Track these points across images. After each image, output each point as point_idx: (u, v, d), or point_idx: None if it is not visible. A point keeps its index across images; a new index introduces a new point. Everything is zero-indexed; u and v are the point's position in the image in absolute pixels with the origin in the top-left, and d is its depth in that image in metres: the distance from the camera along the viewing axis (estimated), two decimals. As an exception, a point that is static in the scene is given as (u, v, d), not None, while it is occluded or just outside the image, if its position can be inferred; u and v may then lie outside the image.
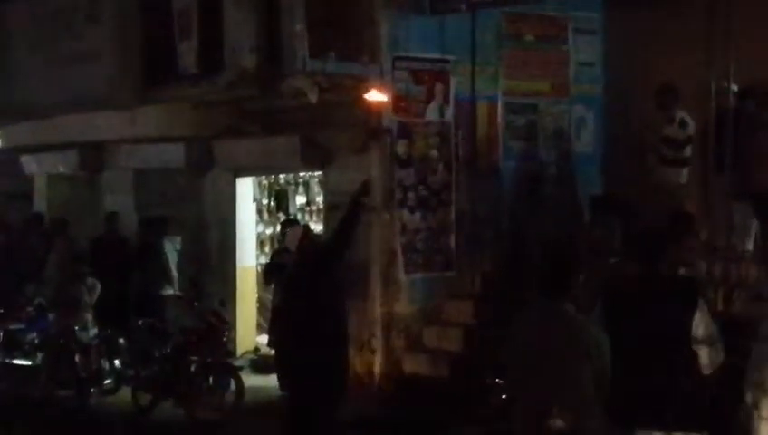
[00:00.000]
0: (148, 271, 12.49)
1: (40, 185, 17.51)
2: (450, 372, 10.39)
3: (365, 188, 8.67)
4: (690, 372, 5.08)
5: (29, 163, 17.26)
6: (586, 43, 12.06)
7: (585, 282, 7.67)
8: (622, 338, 5.08)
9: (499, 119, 11.56)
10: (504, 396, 6.99)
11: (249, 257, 13.68)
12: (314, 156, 12.02)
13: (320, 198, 12.85)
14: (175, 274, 12.81)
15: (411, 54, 11.12)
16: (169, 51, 12.50)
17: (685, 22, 9.47)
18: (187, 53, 12.29)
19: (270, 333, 10.52)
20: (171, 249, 12.92)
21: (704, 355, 5.06)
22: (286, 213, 12.92)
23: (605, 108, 12.17)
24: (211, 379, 10.35)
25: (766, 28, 9.16)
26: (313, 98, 11.27)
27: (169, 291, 12.57)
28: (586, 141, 12.10)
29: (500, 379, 7.64)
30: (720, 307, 8.43)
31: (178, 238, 13.16)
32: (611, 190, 10.95)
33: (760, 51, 9.11)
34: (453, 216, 11.30)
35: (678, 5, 9.24)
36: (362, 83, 11.00)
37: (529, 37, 11.73)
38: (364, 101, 10.92)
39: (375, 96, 10.85)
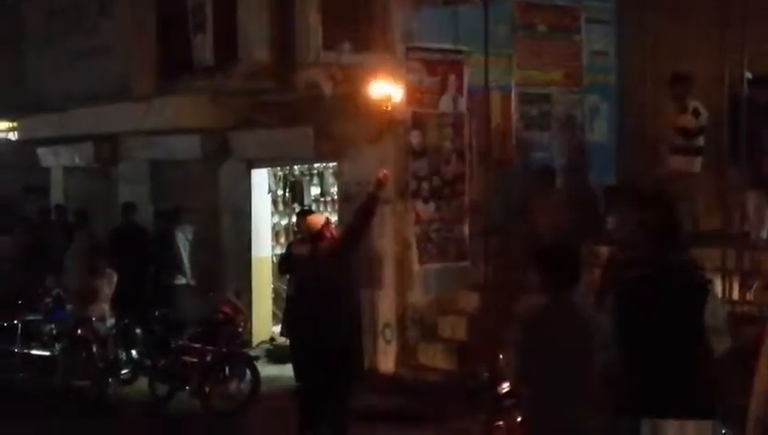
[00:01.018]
0: (161, 261, 12.54)
1: (56, 177, 17.64)
2: (459, 362, 10.46)
3: (381, 182, 8.69)
4: (703, 361, 5.09)
5: (45, 156, 17.46)
6: (599, 32, 12.00)
7: (602, 273, 7.73)
8: (635, 330, 5.13)
9: (513, 109, 11.45)
10: (506, 386, 6.94)
11: (264, 248, 13.71)
12: (328, 147, 12.06)
13: (334, 189, 12.89)
14: (187, 264, 12.87)
15: (424, 45, 11.04)
16: (184, 43, 12.55)
17: (698, 10, 9.46)
18: (202, 46, 12.33)
19: (284, 322, 10.56)
20: (183, 239, 12.96)
21: (716, 340, 5.07)
22: (301, 204, 12.96)
23: (618, 97, 12.11)
24: (227, 369, 10.40)
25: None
26: (327, 89, 11.32)
27: (182, 281, 12.62)
28: (600, 131, 12.04)
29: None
30: (735, 296, 8.46)
31: (190, 228, 13.19)
32: (626, 181, 10.93)
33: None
34: (466, 206, 11.26)
35: None
36: (376, 75, 11.06)
37: (542, 27, 11.62)
38: (378, 92, 11.00)
39: (388, 87, 10.91)
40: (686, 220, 8.25)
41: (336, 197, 12.69)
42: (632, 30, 11.81)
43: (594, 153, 11.85)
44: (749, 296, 8.13)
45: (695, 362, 5.07)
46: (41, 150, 17.45)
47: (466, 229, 11.27)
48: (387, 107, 11.00)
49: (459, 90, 11.19)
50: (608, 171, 11.59)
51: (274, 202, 13.90)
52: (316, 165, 13.24)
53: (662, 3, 10.66)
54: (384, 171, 9.14)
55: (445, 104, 11.17)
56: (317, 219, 9.24)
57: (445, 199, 11.20)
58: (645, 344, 5.11)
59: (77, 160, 16.63)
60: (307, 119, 12.05)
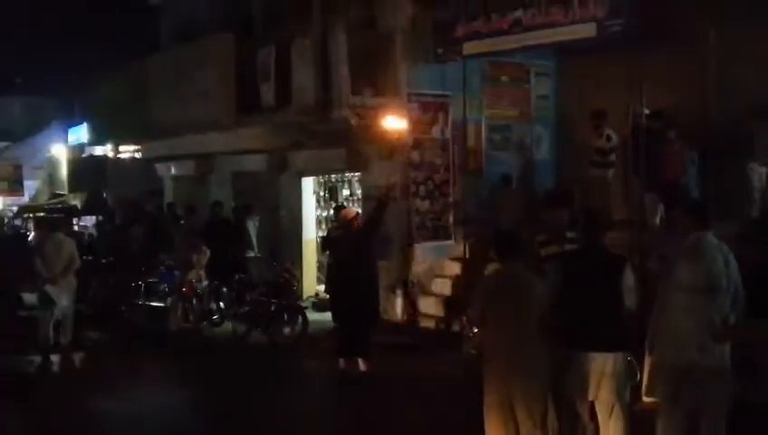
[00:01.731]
0: (238, 241, 12.56)
1: (168, 184, 17.68)
2: (445, 311, 10.51)
3: (388, 190, 8.93)
4: (619, 311, 5.01)
5: (161, 168, 17.54)
6: (543, 82, 12.00)
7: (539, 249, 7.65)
8: (576, 289, 5.03)
9: (483, 136, 11.52)
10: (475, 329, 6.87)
11: (310, 232, 13.70)
12: (355, 162, 12.09)
13: (359, 191, 12.85)
14: (255, 243, 12.83)
15: (421, 91, 11.09)
16: (254, 89, 12.58)
17: (611, 65, 9.44)
18: (267, 91, 12.33)
19: (326, 283, 10.62)
20: (252, 226, 12.96)
21: (628, 298, 5.02)
22: (336, 202, 12.93)
23: (556, 128, 12.10)
24: (285, 315, 10.46)
25: (667, 70, 9.10)
26: (354, 122, 11.35)
27: (252, 254, 12.68)
28: (543, 152, 12.03)
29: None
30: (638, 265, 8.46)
31: (257, 218, 13.11)
32: (560, 187, 10.87)
33: (663, 86, 9.07)
34: (450, 203, 11.33)
35: (605, 53, 9.16)
36: (388, 112, 11.11)
37: (504, 78, 11.69)
38: (389, 124, 11.06)
39: (396, 121, 10.99)
40: (602, 213, 8.22)
41: (360, 197, 12.66)
42: (565, 81, 11.84)
43: (539, 167, 11.84)
44: (649, 265, 8.11)
45: (614, 312, 4.98)
46: (157, 165, 17.53)
47: (450, 219, 11.35)
48: (395, 134, 11.10)
49: (445, 122, 11.25)
50: (548, 180, 11.57)
51: (317, 200, 13.87)
52: (347, 175, 13.19)
53: (586, 60, 10.44)
54: (391, 182, 9.32)
55: (435, 132, 11.25)
56: (349, 212, 9.32)
57: (435, 198, 11.30)
58: (580, 299, 4.99)
59: (183, 171, 16.71)
60: (340, 143, 12.00)
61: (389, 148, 11.29)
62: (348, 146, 11.91)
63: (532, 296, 5.11)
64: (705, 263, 4.59)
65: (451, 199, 11.30)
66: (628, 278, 5.07)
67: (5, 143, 29.78)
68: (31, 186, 26.34)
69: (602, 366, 4.90)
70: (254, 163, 14.31)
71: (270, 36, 13.01)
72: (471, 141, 11.26)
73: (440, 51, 10.40)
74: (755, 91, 9.14)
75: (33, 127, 29.34)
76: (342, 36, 11.15)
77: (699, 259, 4.62)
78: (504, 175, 11.08)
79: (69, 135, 24.75)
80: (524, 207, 10.16)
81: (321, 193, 13.85)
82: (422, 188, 11.16)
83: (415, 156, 11.09)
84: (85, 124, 21.53)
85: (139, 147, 17.95)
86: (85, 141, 21.72)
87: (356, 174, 12.77)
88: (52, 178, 25.36)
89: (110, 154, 19.78)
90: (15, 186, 25.56)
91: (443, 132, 11.24)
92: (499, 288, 5.31)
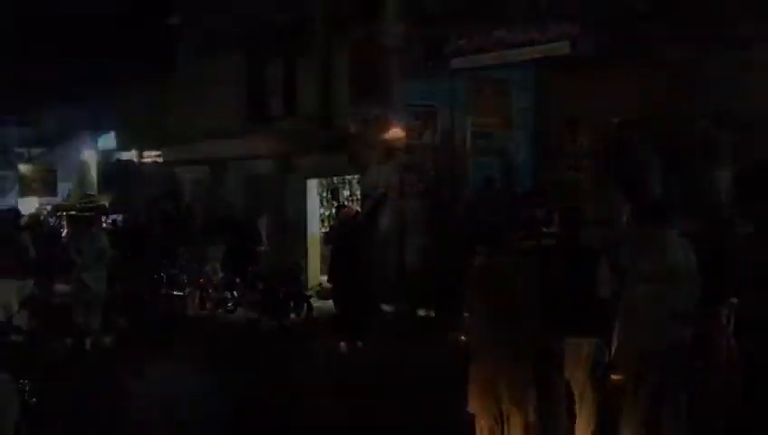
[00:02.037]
0: (249, 237, 12.52)
1: (187, 186, 17.58)
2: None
3: (383, 196, 9.28)
4: (593, 300, 4.86)
5: (180, 172, 17.43)
6: (522, 94, 11.51)
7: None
8: (554, 281, 4.89)
9: (467, 142, 11.39)
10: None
11: (315, 228, 13.65)
12: (355, 166, 12.11)
13: (358, 192, 12.81)
14: (265, 238, 12.70)
15: (413, 102, 11.08)
16: (264, 101, 12.65)
17: (584, 78, 9.39)
18: (276, 102, 12.44)
19: (328, 273, 10.61)
20: (263, 224, 12.90)
21: (602, 289, 4.91)
22: (337, 201, 12.89)
23: (535, 135, 11.67)
24: (292, 302, 10.51)
25: (636, 81, 9.09)
26: (354, 130, 11.39)
27: (262, 248, 12.66)
28: (522, 156, 11.61)
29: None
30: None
31: (266, 216, 12.99)
32: (537, 187, 10.74)
33: (632, 96, 9.08)
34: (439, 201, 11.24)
35: (579, 67, 9.17)
36: (384, 120, 11.11)
37: (486, 91, 11.45)
38: (385, 131, 11.04)
39: (391, 128, 10.98)
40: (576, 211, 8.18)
41: (359, 196, 12.65)
42: (543, 92, 11.58)
43: (519, 169, 11.54)
44: (618, 259, 8.05)
45: (589, 301, 4.87)
46: (177, 169, 17.50)
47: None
48: (390, 141, 11.10)
49: (434, 130, 11.16)
50: (527, 180, 11.26)
51: (321, 200, 13.82)
52: (347, 177, 13.16)
53: (562, 74, 10.23)
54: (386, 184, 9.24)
55: (426, 138, 11.16)
56: (349, 210, 9.33)
57: (425, 196, 11.21)
58: (558, 290, 4.81)
59: (199, 175, 16.61)
60: (342, 148, 12.03)
61: (385, 152, 11.29)
62: (349, 151, 11.93)
63: (517, 287, 5.00)
64: (667, 257, 4.61)
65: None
66: (602, 271, 5.01)
67: (41, 149, 29.83)
68: (63, 188, 26.31)
69: (578, 350, 4.88)
70: (264, 167, 14.28)
71: (278, 53, 13.03)
72: (457, 147, 11.21)
73: (430, 65, 10.45)
74: (715, 101, 9.16)
75: (66, 135, 29.34)
76: (343, 53, 11.16)
77: (662, 253, 4.64)
78: (487, 177, 10.98)
79: (98, 142, 24.72)
80: (505, 205, 10.08)
81: (324, 194, 13.81)
82: (414, 187, 11.16)
83: (408, 159, 11.09)
84: (113, 132, 21.66)
85: (161, 152, 17.79)
86: (113, 148, 21.76)
87: (355, 176, 12.75)
88: (82, 181, 25.33)
89: (135, 159, 19.72)
90: (50, 187, 25.62)
91: (432, 139, 11.17)
92: (485, 279, 5.16)
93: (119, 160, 21.62)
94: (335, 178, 13.58)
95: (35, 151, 30.02)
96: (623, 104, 8.92)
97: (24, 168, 28.08)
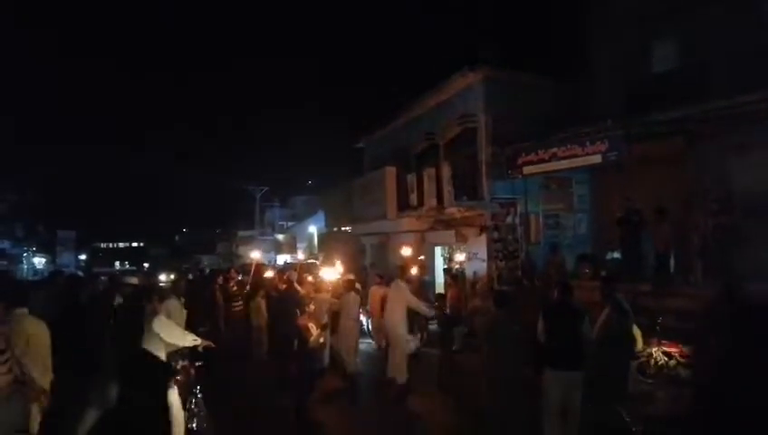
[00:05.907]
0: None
1: (368, 248, 17.47)
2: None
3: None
4: (580, 342, 4.81)
5: (363, 239, 17.56)
6: (581, 187, 11.60)
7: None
8: (553, 326, 4.90)
9: (540, 223, 11.39)
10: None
11: (440, 278, 13.30)
12: (460, 238, 12.19)
13: (464, 255, 12.59)
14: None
15: (498, 196, 11.12)
16: (407, 197, 13.48)
17: (615, 178, 9.35)
18: (412, 198, 13.16)
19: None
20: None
21: (585, 336, 4.83)
22: (452, 261, 12.84)
23: (591, 216, 11.61)
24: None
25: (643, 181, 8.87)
26: (458, 216, 11.79)
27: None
28: (582, 230, 11.60)
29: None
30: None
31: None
32: (593, 253, 10.41)
33: (653, 190, 8.77)
34: (518, 264, 11.11)
35: (612, 171, 9.01)
36: (478, 210, 11.39)
37: (553, 186, 11.48)
38: (480, 216, 11.31)
39: (485, 214, 11.18)
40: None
41: (464, 258, 12.39)
42: (596, 188, 11.43)
43: (579, 239, 11.45)
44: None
45: (577, 343, 4.81)
46: (363, 238, 17.89)
47: (519, 273, 10.89)
48: (483, 222, 11.37)
49: (515, 214, 11.14)
50: (586, 248, 11.06)
51: (443, 260, 13.73)
52: (454, 245, 12.98)
53: (605, 176, 10.31)
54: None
55: (509, 220, 11.14)
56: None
57: (509, 260, 11.10)
58: (556, 333, 4.86)
59: (374, 242, 16.87)
60: (451, 227, 12.23)
61: (479, 230, 11.45)
62: (455, 229, 12.14)
63: (513, 335, 5.00)
64: (603, 316, 4.70)
65: (519, 262, 11.12)
66: (587, 322, 4.96)
67: (292, 223, 33.91)
68: (300, 248, 29.25)
69: (572, 380, 4.81)
70: (408, 238, 14.54)
71: (414, 167, 13.72)
72: (533, 226, 11.17)
73: (510, 172, 10.70)
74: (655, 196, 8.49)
75: (303, 215, 33.02)
76: (449, 167, 11.76)
77: (603, 311, 4.74)
78: (551, 244, 10.80)
79: (317, 221, 27.44)
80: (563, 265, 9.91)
81: (446, 256, 13.82)
82: (500, 254, 11.11)
83: (495, 235, 11.13)
84: (323, 214, 23.74)
85: (350, 228, 18.89)
86: (323, 224, 23.76)
87: (461, 245, 12.63)
88: (310, 245, 28.03)
89: (335, 231, 21.36)
90: (293, 249, 28.74)
91: (513, 220, 11.17)
92: (493, 327, 5.15)
93: (329, 232, 23.70)
94: (450, 247, 13.47)
95: (288, 224, 34.10)
96: (645, 195, 8.66)
97: (280, 236, 32.11)
